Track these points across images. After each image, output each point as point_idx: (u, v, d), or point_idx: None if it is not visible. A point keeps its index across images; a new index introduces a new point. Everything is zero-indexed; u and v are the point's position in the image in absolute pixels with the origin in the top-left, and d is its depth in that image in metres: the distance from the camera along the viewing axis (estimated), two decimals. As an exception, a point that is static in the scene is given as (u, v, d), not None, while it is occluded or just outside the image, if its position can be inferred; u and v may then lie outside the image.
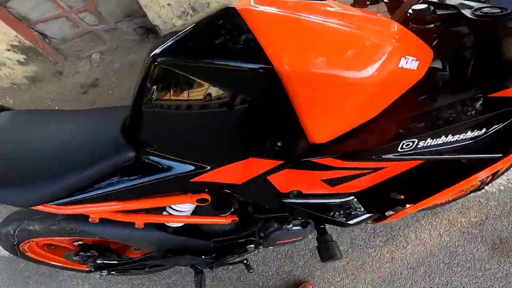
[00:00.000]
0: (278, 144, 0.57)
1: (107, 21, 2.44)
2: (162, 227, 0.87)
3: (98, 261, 1.01)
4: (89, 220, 0.75)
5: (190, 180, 0.64)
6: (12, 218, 0.94)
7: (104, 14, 2.39)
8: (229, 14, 0.49)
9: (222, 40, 0.48)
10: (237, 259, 1.08)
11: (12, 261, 1.67)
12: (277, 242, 1.00)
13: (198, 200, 0.72)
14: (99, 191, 0.64)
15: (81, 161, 0.62)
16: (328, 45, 0.49)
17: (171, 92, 0.52)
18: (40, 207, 0.66)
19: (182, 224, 0.87)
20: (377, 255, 1.31)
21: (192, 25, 0.50)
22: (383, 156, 0.57)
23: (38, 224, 0.89)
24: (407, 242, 1.31)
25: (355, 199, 0.74)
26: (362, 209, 0.76)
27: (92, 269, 1.04)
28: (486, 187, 1.23)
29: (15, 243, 0.96)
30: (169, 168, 0.62)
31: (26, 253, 1.05)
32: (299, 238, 1.02)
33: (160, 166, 0.63)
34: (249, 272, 1.27)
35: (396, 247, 1.31)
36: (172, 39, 0.49)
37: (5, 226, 0.94)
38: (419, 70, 0.54)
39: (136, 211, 0.76)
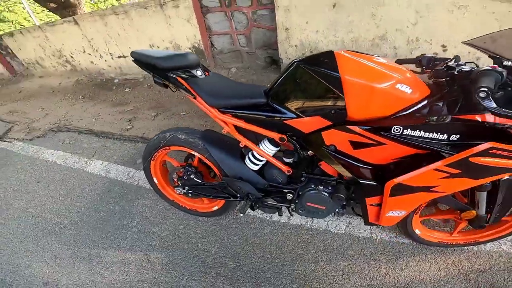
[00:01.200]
0: (332, 112, 1.04)
1: (252, 45, 3.38)
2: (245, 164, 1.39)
3: (189, 176, 1.54)
4: (223, 131, 1.32)
5: (284, 122, 1.14)
6: (172, 129, 1.53)
7: (252, 40, 3.36)
8: (329, 54, 1.02)
9: (322, 66, 1.02)
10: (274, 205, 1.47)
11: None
12: (307, 204, 1.32)
13: (280, 138, 1.21)
14: (244, 112, 1.22)
15: (246, 95, 1.22)
16: (372, 74, 0.98)
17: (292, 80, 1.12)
18: (210, 110, 1.27)
19: (259, 166, 1.38)
20: (376, 267, 1.45)
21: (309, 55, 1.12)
22: (383, 133, 0.98)
23: (184, 135, 1.45)
24: (406, 266, 1.44)
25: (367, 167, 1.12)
26: (370, 176, 1.13)
27: (180, 184, 1.57)
28: (504, 247, 1.43)
29: (161, 145, 1.52)
30: (278, 111, 1.15)
31: (153, 161, 1.65)
32: (323, 207, 1.31)
33: (274, 109, 1.16)
34: (279, 216, 1.65)
35: (394, 267, 1.44)
36: (302, 59, 1.09)
37: (165, 132, 1.51)
38: (412, 95, 0.97)
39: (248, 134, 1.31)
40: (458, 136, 0.91)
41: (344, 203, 1.28)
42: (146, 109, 3.40)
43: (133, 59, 1.33)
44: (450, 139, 0.93)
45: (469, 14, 2.28)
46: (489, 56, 0.93)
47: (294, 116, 1.12)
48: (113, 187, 2.22)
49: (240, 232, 1.72)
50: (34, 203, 2.20)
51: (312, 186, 1.29)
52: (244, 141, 1.32)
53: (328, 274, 1.45)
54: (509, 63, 0.84)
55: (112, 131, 3.02)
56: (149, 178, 1.75)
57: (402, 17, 2.46)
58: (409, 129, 0.95)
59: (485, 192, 1.09)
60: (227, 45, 3.55)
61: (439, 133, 0.93)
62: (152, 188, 1.82)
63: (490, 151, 0.87)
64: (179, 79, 1.26)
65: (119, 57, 4.35)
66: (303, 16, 2.80)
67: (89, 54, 4.64)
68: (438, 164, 0.94)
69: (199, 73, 1.30)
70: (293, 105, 1.11)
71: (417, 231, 1.41)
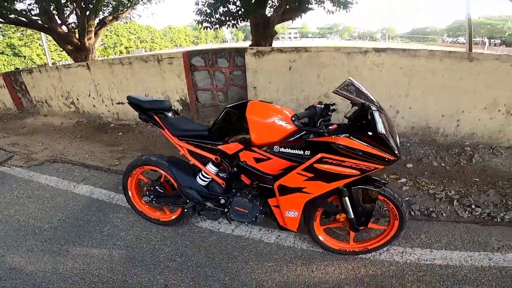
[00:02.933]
0: (243, 139, 1.62)
1: (228, 101, 4.12)
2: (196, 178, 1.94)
3: (155, 188, 2.08)
4: (180, 153, 1.94)
5: (217, 147, 1.73)
6: (147, 154, 2.19)
7: (228, 97, 4.11)
8: (245, 102, 1.64)
9: (239, 110, 1.63)
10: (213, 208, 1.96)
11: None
12: (235, 208, 1.82)
13: (215, 159, 1.78)
14: (194, 140, 1.83)
15: (196, 130, 1.88)
16: (263, 114, 1.59)
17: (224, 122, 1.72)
18: (172, 138, 1.91)
19: (207, 182, 1.93)
20: (292, 269, 1.84)
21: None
22: (268, 150, 1.54)
23: (155, 158, 2.04)
24: (316, 269, 1.83)
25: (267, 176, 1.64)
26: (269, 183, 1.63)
27: (147, 193, 2.11)
28: (395, 257, 1.85)
29: (137, 164, 2.12)
30: (214, 139, 1.75)
31: (130, 177, 2.19)
32: (246, 211, 1.80)
33: (212, 138, 1.75)
34: (214, 215, 2.01)
35: (307, 269, 1.83)
36: (230, 106, 1.70)
37: (142, 156, 2.16)
38: (288, 128, 1.55)
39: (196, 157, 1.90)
40: (309, 151, 1.47)
41: (262, 208, 1.78)
42: (134, 150, 3.95)
43: (128, 101, 1.96)
44: (305, 153, 1.48)
45: (385, 71, 3.03)
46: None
47: (222, 143, 1.72)
48: (93, 204, 2.63)
49: (191, 238, 2.12)
50: (22, 212, 2.56)
51: (238, 194, 1.81)
52: (193, 161, 1.91)
53: (254, 271, 1.82)
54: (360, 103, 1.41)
55: (102, 165, 3.50)
56: (126, 191, 2.25)
57: (338, 76, 3.20)
58: (282, 148, 1.51)
59: (347, 198, 1.59)
60: (208, 100, 4.30)
61: (300, 150, 1.49)
62: (127, 202, 2.30)
63: (323, 160, 1.41)
64: (155, 116, 1.93)
65: (118, 103, 5.07)
66: (267, 77, 3.58)
67: (93, 98, 5.37)
68: (297, 169, 1.48)
69: (170, 114, 2.00)
70: (223, 135, 1.72)
71: (320, 238, 1.85)
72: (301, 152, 1.49)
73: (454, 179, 2.63)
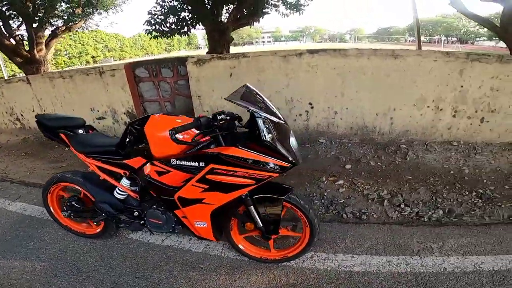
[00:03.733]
0: (145, 153, 1.56)
1: (176, 112, 4.03)
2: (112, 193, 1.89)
3: (72, 203, 2.00)
4: (89, 169, 1.87)
5: (124, 161, 1.70)
6: (63, 172, 2.08)
7: (176, 107, 4.03)
8: (147, 116, 1.56)
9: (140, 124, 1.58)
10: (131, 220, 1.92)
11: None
12: (150, 220, 1.79)
13: (124, 173, 1.76)
14: (101, 156, 1.77)
15: (104, 145, 1.81)
16: (160, 128, 1.49)
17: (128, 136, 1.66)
18: (78, 155, 1.86)
19: (125, 196, 1.87)
20: (216, 278, 1.79)
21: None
22: (167, 164, 1.53)
23: (70, 175, 1.99)
24: (238, 278, 1.78)
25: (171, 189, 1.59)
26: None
27: (65, 208, 2.03)
28: (317, 265, 1.82)
29: (53, 182, 2.02)
30: (120, 155, 1.70)
31: (49, 194, 2.10)
32: (160, 222, 1.77)
33: (118, 153, 1.70)
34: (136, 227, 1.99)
35: (230, 278, 1.79)
36: (132, 121, 1.64)
37: (57, 174, 2.05)
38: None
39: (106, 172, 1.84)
40: (203, 163, 1.44)
41: (175, 219, 1.71)
42: (77, 166, 3.76)
43: (36, 120, 1.85)
44: (200, 165, 1.45)
45: (320, 72, 3.09)
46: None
47: (129, 158, 1.65)
48: (25, 220, 2.53)
49: (119, 250, 2.05)
50: None
51: (152, 206, 1.76)
52: (103, 176, 1.80)
53: (177, 281, 1.77)
54: (250, 110, 1.37)
55: (41, 182, 3.30)
56: (47, 207, 2.17)
57: (277, 79, 3.24)
58: (179, 161, 1.48)
59: (251, 207, 1.57)
60: (156, 111, 4.18)
61: (194, 162, 1.46)
62: (51, 218, 2.23)
63: (214, 171, 1.39)
64: (61, 134, 1.85)
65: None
66: (210, 85, 3.55)
67: (38, 113, 5.07)
68: (192, 181, 1.44)
69: (80, 131, 1.93)
70: (128, 150, 1.64)
71: (240, 246, 1.82)
72: (196, 164, 1.46)
73: (388, 178, 2.72)
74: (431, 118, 3.15)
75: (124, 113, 4.29)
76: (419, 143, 3.18)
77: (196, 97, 3.68)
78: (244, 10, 5.68)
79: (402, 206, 2.33)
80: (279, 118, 1.46)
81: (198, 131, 1.39)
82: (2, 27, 7.45)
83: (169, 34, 5.36)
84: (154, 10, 5.63)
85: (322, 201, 2.45)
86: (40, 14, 7.26)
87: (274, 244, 1.85)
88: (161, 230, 1.81)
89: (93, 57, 48.01)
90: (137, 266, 1.90)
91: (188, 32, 5.60)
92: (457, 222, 2.18)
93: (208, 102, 3.66)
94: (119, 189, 1.86)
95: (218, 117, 1.41)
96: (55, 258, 2.01)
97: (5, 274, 1.89)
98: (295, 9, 6.49)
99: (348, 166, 2.94)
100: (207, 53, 5.86)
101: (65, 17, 8.06)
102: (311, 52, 3.08)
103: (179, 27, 5.37)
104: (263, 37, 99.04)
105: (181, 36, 5.64)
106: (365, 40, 73.79)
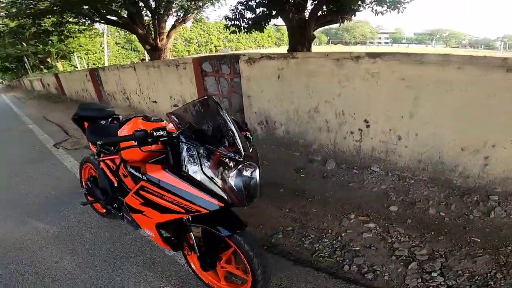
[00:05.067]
0: (121, 155, 1.47)
1: (232, 109, 4.01)
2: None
3: (87, 183, 2.18)
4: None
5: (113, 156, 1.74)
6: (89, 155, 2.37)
7: (232, 104, 4.01)
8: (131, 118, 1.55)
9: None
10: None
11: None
12: (124, 214, 1.71)
13: (112, 166, 1.82)
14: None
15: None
16: None
17: None
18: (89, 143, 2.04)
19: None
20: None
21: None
22: (126, 168, 1.43)
23: (92, 157, 2.20)
24: None
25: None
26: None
27: (83, 185, 2.32)
28: None
29: (84, 160, 2.34)
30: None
31: (82, 170, 2.41)
32: (129, 218, 1.65)
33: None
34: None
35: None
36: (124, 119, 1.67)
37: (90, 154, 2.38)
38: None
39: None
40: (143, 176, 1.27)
41: None
42: None
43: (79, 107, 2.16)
44: (143, 177, 1.27)
45: (382, 82, 2.40)
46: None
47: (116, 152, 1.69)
48: None
49: (112, 229, 2.22)
50: (28, 185, 3.14)
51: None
52: (102, 165, 1.91)
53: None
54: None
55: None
56: (81, 182, 2.46)
57: (328, 87, 2.72)
58: (130, 168, 1.35)
59: (191, 233, 1.33)
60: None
61: (138, 173, 1.32)
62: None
63: (144, 188, 1.20)
64: (86, 123, 2.04)
65: (152, 101, 5.64)
66: (259, 85, 3.34)
67: (138, 95, 6.13)
68: (132, 191, 1.30)
69: (103, 122, 2.07)
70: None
71: (192, 265, 1.60)
72: (140, 175, 1.30)
73: (443, 234, 1.88)
74: None
75: (191, 104, 4.62)
76: (521, 200, 2.06)
77: (247, 97, 3.55)
78: (330, 6, 5.09)
79: (435, 274, 1.57)
80: (237, 150, 1.15)
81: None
82: (137, 19, 9.35)
83: (246, 31, 5.38)
84: (236, 6, 5.71)
85: (333, 242, 1.91)
86: (161, 10, 8.78)
87: (227, 274, 1.56)
88: (132, 226, 1.78)
89: (215, 46, 54.72)
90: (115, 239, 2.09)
91: (264, 28, 5.47)
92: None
93: (257, 103, 3.47)
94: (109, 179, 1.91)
95: (155, 133, 1.21)
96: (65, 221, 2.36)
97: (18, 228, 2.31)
98: (392, 7, 5.38)
99: (393, 208, 2.20)
100: (287, 51, 5.59)
101: (180, 11, 9.49)
102: (372, 56, 2.40)
103: (255, 22, 5.31)
104: (380, 38, 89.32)
105: (261, 32, 5.58)
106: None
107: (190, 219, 1.30)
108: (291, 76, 2.97)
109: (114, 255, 1.95)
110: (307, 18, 5.15)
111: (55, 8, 8.14)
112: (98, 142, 1.14)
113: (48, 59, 24.12)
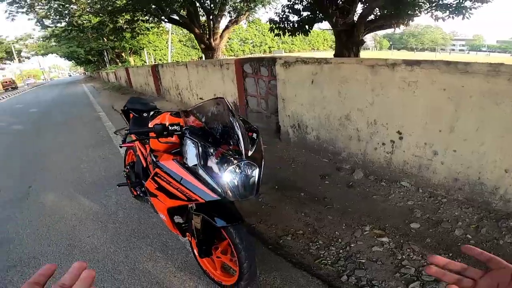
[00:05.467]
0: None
1: (269, 110, 4.13)
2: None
3: (127, 166, 2.51)
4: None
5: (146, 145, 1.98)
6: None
7: (269, 105, 4.12)
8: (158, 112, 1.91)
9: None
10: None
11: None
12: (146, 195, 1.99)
13: (143, 153, 2.08)
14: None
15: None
16: None
17: None
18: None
19: None
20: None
21: None
22: (150, 155, 1.58)
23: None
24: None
25: None
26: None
27: (124, 169, 2.64)
28: None
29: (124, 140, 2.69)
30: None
31: (127, 155, 2.76)
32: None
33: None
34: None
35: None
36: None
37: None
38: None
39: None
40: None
41: None
42: None
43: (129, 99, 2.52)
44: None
45: (420, 92, 2.25)
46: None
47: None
48: None
49: (141, 212, 2.52)
50: (88, 166, 3.73)
51: None
52: (138, 152, 2.17)
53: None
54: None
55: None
56: (124, 164, 2.81)
57: (361, 94, 2.64)
58: (152, 156, 1.53)
59: (192, 220, 1.47)
60: (255, 106, 4.46)
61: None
62: None
63: (158, 175, 1.38)
64: (131, 115, 2.32)
65: (199, 98, 6.06)
66: (293, 89, 3.38)
67: (189, 91, 6.65)
68: (149, 177, 1.50)
69: (145, 114, 2.35)
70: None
71: (195, 251, 1.69)
72: (156, 163, 1.47)
73: (463, 257, 1.70)
74: None
75: (231, 103, 4.86)
76: None
77: (281, 100, 3.62)
78: (382, 10, 4.78)
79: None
80: (238, 150, 1.26)
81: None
82: (194, 19, 10.07)
83: (290, 33, 5.35)
84: (282, 8, 5.70)
85: (340, 251, 1.88)
86: (216, 10, 9.32)
87: (225, 265, 1.68)
88: (153, 209, 2.00)
89: (269, 47, 55.18)
90: (143, 221, 2.30)
91: (309, 31, 5.36)
92: None
93: (290, 106, 3.51)
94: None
95: (170, 127, 1.38)
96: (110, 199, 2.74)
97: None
98: (455, 13, 4.77)
99: (414, 225, 2.05)
100: (334, 55, 5.43)
101: (234, 12, 9.95)
102: (410, 63, 2.25)
103: (300, 25, 5.24)
104: (454, 45, 79.33)
105: (305, 35, 5.51)
106: None
107: (194, 207, 1.45)
108: (324, 81, 2.95)
109: (136, 235, 2.23)
110: (355, 22, 4.95)
111: (128, 6, 9.31)
112: (125, 131, 1.36)
113: (123, 54, 27.39)
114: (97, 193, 2.97)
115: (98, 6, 10.64)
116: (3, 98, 20.48)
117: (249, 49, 54.06)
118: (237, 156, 1.26)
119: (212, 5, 9.46)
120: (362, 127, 2.75)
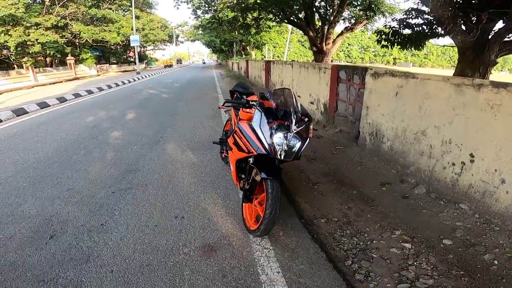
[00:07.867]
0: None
1: (354, 116, 4.37)
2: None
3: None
4: None
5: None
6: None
7: (355, 112, 4.36)
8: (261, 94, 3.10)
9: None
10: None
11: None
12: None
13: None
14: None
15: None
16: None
17: None
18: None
19: None
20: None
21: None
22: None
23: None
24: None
25: None
26: None
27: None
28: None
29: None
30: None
31: None
32: None
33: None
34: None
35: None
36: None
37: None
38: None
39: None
40: None
41: None
42: None
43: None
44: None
45: (501, 115, 2.19)
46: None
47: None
48: None
49: (228, 170, 3.38)
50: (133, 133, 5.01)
51: None
52: (232, 120, 3.05)
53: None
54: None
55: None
56: (223, 131, 3.83)
57: (441, 112, 2.68)
58: (238, 120, 2.31)
59: (247, 171, 2.11)
60: (343, 110, 4.74)
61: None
62: None
63: (235, 132, 2.10)
64: (235, 94, 3.22)
65: (297, 96, 6.71)
66: (377, 99, 3.57)
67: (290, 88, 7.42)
68: (231, 134, 2.24)
69: (244, 96, 3.21)
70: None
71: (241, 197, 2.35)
72: (237, 124, 2.22)
73: (473, 278, 1.68)
74: None
75: (322, 104, 5.30)
76: None
77: (365, 107, 3.84)
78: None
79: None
80: (289, 125, 1.83)
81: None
82: (310, 22, 10.71)
83: (399, 46, 5.09)
84: (398, 20, 5.38)
85: (360, 243, 2.10)
86: (331, 17, 9.61)
87: (258, 216, 2.06)
88: (224, 161, 2.82)
89: (394, 58, 49.99)
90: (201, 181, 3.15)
91: (421, 46, 4.95)
92: None
93: (372, 115, 3.70)
94: None
95: (250, 102, 2.10)
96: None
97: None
98: None
99: (446, 242, 2.06)
100: (454, 74, 4.92)
101: (352, 19, 9.96)
102: (496, 85, 2.19)
103: (411, 40, 4.90)
104: None
105: (417, 49, 5.14)
106: None
107: (251, 161, 2.08)
108: (407, 95, 3.06)
109: (211, 184, 3.07)
110: (489, 38, 4.36)
111: (255, 5, 10.90)
112: (225, 100, 2.17)
113: (247, 47, 31.02)
114: (199, 150, 4.11)
115: (235, 1, 12.87)
116: (161, 72, 27.82)
117: (369, 57, 50.70)
118: (286, 129, 1.84)
119: (327, 12, 9.86)
120: (435, 145, 2.76)
